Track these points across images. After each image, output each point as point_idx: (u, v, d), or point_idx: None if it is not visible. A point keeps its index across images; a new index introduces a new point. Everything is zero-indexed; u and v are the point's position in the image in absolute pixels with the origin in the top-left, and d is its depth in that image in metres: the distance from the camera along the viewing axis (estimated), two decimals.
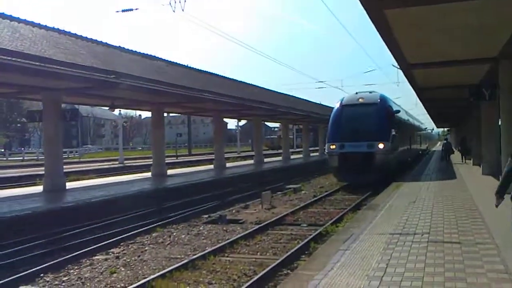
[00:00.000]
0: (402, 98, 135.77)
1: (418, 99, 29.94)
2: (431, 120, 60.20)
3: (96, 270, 8.83)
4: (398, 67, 17.71)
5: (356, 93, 23.60)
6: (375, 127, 20.41)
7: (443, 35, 12.02)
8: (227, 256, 9.50)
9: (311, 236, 10.64)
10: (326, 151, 21.83)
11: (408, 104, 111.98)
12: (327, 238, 10.05)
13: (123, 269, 8.81)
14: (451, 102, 29.14)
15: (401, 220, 9.69)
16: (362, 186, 18.84)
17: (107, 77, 16.94)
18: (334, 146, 20.67)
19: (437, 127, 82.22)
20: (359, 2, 8.88)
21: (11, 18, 17.45)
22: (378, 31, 11.25)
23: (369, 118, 20.91)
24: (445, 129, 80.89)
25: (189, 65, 31.64)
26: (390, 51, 13.69)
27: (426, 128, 60.23)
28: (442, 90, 22.58)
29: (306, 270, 6.50)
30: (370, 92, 23.59)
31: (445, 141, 35.46)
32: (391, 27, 10.92)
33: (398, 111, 23.04)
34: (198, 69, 31.68)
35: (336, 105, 22.85)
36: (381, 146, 19.68)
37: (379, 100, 21.90)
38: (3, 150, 75.91)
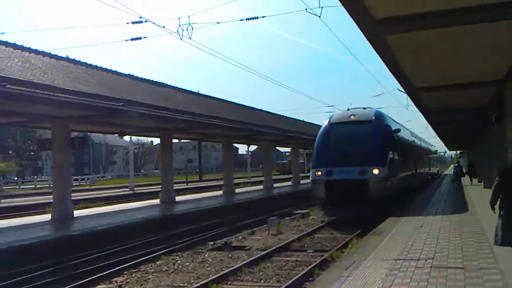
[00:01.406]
0: (412, 122, 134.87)
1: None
2: (442, 143, 59.66)
3: None
4: (403, 91, 17.75)
5: (348, 109, 20.32)
6: (369, 149, 16.94)
7: (446, 58, 12.00)
8: (230, 284, 9.42)
9: (316, 263, 10.52)
10: (310, 178, 18.13)
11: (419, 127, 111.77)
12: (331, 264, 9.93)
13: None
14: (460, 125, 28.96)
15: (406, 246, 9.56)
16: (353, 221, 15.65)
17: (115, 104, 17.17)
18: (320, 173, 17.07)
19: (449, 150, 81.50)
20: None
21: (23, 48, 17.86)
22: (380, 56, 11.30)
23: (362, 138, 17.57)
24: (458, 151, 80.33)
25: (198, 91, 32.04)
26: (394, 75, 13.72)
27: (436, 151, 57.43)
28: (449, 113, 22.41)
29: None
30: (364, 108, 20.30)
31: (456, 165, 38.03)
32: (393, 52, 10.95)
33: (398, 130, 19.43)
34: (206, 95, 32.01)
35: (324, 123, 19.21)
36: (376, 171, 16.19)
37: (373, 117, 18.27)
38: (16, 178, 76.69)
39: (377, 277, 7.07)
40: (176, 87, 28.22)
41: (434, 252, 8.72)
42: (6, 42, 17.56)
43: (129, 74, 24.42)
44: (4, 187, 51.31)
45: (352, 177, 16.23)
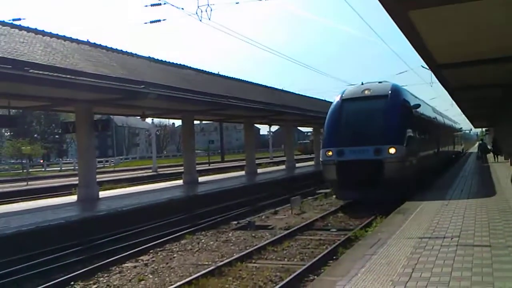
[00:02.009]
0: (436, 99, 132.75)
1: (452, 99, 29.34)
2: (468, 121, 58.50)
3: (125, 277, 8.97)
4: (428, 68, 17.40)
5: (362, 83, 18.18)
6: (384, 126, 15.58)
7: (472, 33, 11.70)
8: (254, 262, 9.49)
9: (340, 241, 10.53)
10: (320, 159, 16.81)
11: (443, 104, 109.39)
12: (355, 242, 9.91)
13: (151, 276, 8.92)
14: (485, 102, 28.39)
15: (431, 224, 9.47)
16: (368, 206, 14.84)
17: (136, 87, 17.26)
18: (330, 153, 15.78)
19: (475, 128, 79.99)
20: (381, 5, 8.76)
21: (44, 33, 18.02)
22: (403, 33, 11.06)
23: (376, 114, 16.16)
24: (483, 129, 78.87)
25: (218, 73, 32.00)
26: (418, 52, 13.43)
27: (461, 128, 54.80)
28: (476, 90, 21.95)
29: (330, 276, 6.43)
30: (380, 82, 18.19)
31: (480, 142, 38.70)
32: (416, 29, 10.69)
33: (418, 106, 17.85)
34: (226, 76, 31.94)
35: (335, 99, 17.71)
36: (392, 151, 14.78)
37: (390, 92, 16.49)
38: (41, 161, 78.20)
39: (402, 256, 7.03)
40: (197, 68, 28.22)
41: (460, 230, 8.61)
42: (28, 27, 17.74)
43: (149, 56, 24.50)
44: (30, 170, 52.35)
45: (365, 157, 15.02)
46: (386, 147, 14.89)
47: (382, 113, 16.04)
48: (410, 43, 12.07)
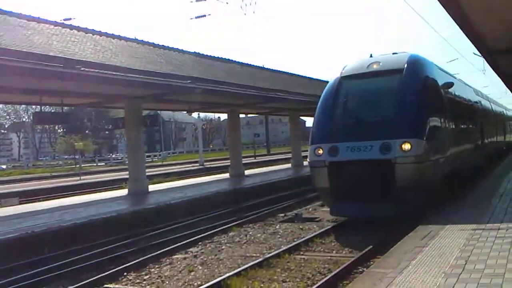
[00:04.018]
0: (490, 87, 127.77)
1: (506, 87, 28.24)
2: None
3: (175, 268, 9.15)
4: (480, 55, 16.80)
5: (371, 55, 13.26)
6: (396, 112, 11.04)
7: None
8: (302, 254, 9.47)
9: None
10: (308, 159, 12.20)
11: (497, 93, 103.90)
12: (406, 235, 9.71)
13: (200, 267, 9.06)
14: None
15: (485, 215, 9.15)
16: (373, 224, 10.88)
17: (183, 82, 17.54)
18: (321, 151, 11.38)
19: None
20: None
21: (93, 31, 18.61)
22: (452, 17, 10.72)
23: (386, 96, 11.66)
24: None
25: (263, 66, 32.07)
26: (468, 38, 13.00)
27: None
28: None
29: (380, 267, 6.34)
30: (395, 53, 13.06)
31: None
32: (465, 11, 10.34)
33: (450, 85, 13.11)
34: (271, 69, 31.97)
35: (332, 78, 12.91)
36: (406, 147, 10.40)
37: (406, 65, 11.72)
38: (93, 156, 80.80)
39: (454, 247, 6.85)
40: (241, 62, 28.38)
41: None
42: (78, 26, 18.37)
43: (195, 52, 24.85)
44: (82, 165, 54.20)
45: (368, 156, 10.68)
46: (397, 141, 10.45)
47: (394, 94, 11.44)
48: (460, 27, 11.68)
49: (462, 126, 14.97)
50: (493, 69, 18.99)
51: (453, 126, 13.12)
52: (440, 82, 12.70)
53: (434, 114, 11.57)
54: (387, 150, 10.50)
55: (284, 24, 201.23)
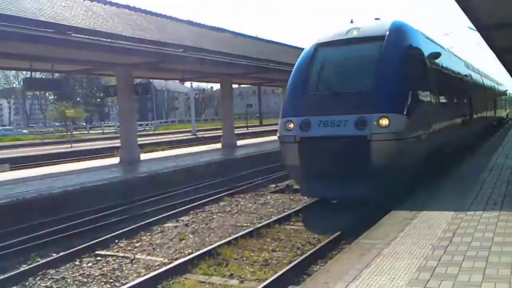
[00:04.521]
0: (484, 61, 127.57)
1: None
2: None
3: (167, 236, 9.24)
4: (475, 29, 16.68)
5: (352, 21, 12.27)
6: (374, 83, 9.98)
7: None
8: (292, 225, 9.59)
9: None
10: (278, 134, 11.09)
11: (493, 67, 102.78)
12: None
13: (191, 236, 9.16)
14: None
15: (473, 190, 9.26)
16: (347, 205, 10.09)
17: (175, 51, 17.33)
18: (291, 125, 10.43)
19: None
20: None
21: None
22: None
23: (364, 66, 10.64)
24: None
25: (256, 36, 31.76)
26: (464, 11, 12.87)
27: (506, 90, 45.15)
28: None
29: (368, 239, 6.43)
30: (378, 19, 11.92)
31: None
32: None
33: (437, 55, 12.09)
34: (265, 39, 31.68)
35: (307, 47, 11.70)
36: (384, 122, 9.43)
37: (388, 32, 10.57)
38: (84, 124, 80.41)
39: (442, 220, 6.95)
40: (234, 31, 28.06)
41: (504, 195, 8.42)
42: None
43: (188, 20, 24.52)
44: (74, 132, 53.92)
45: (342, 132, 9.69)
46: (374, 116, 9.46)
47: (372, 63, 10.35)
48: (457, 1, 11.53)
49: (449, 101, 13.82)
50: (488, 44, 18.86)
51: (439, 100, 11.95)
52: (426, 52, 11.56)
53: (417, 87, 10.53)
54: (363, 126, 9.50)
55: None
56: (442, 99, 12.49)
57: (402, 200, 8.71)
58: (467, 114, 16.54)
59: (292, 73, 11.45)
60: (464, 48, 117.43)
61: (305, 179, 10.45)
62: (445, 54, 14.46)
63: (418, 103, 10.43)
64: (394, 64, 10.21)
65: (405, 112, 9.63)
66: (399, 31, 10.87)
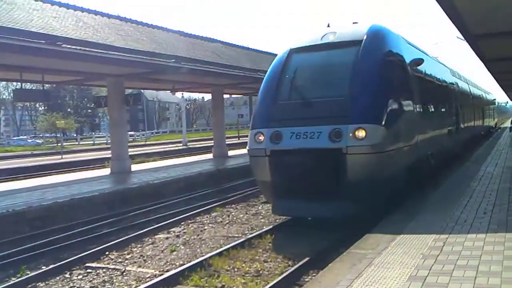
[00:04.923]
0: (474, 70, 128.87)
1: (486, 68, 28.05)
2: (504, 93, 56.13)
3: (158, 248, 9.18)
4: (463, 38, 16.84)
5: (328, 25, 11.67)
6: (350, 92, 9.26)
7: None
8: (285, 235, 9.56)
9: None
10: (247, 147, 10.19)
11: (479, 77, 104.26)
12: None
13: (182, 247, 9.10)
14: None
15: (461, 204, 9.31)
16: (321, 224, 9.48)
17: (167, 61, 17.35)
18: (262, 137, 9.65)
19: None
20: None
21: (75, 7, 18.28)
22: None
23: (340, 73, 9.95)
24: None
25: (248, 46, 31.93)
26: (452, 21, 13.00)
27: (495, 99, 44.34)
28: None
29: (359, 248, 6.43)
30: (356, 23, 11.32)
31: None
32: None
33: (420, 62, 11.21)
34: (256, 50, 31.83)
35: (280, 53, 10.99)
36: (360, 134, 8.74)
37: (366, 36, 9.91)
38: (75, 135, 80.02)
39: (432, 230, 6.98)
40: (225, 42, 28.17)
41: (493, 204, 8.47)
42: (59, 2, 18.00)
43: (179, 30, 24.58)
44: (64, 144, 53.63)
45: (315, 145, 8.98)
46: (350, 127, 8.76)
47: (348, 69, 9.62)
48: (443, 10, 11.65)
49: (434, 110, 13.15)
50: (476, 53, 19.03)
51: (422, 110, 11.27)
52: (408, 58, 10.82)
53: (397, 95, 9.82)
54: (338, 138, 8.80)
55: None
56: (426, 109, 11.92)
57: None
58: (453, 123, 16.02)
59: (263, 81, 10.73)
60: (454, 57, 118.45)
61: (276, 196, 9.66)
62: (429, 61, 13.91)
63: (398, 113, 9.75)
64: (371, 71, 9.51)
65: (383, 123, 8.97)
66: (377, 36, 10.22)
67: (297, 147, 9.14)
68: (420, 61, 11.23)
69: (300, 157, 9.15)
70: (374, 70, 9.50)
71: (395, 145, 9.27)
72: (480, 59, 21.24)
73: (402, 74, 10.39)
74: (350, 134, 8.71)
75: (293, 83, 10.04)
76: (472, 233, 6.62)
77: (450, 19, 12.35)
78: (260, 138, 9.68)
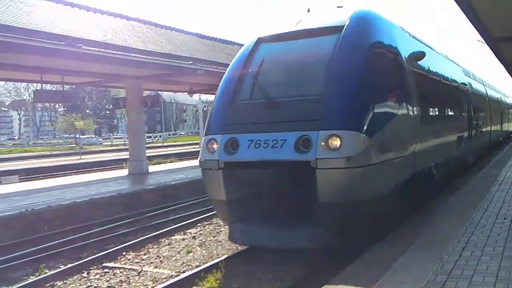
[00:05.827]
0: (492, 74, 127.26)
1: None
2: None
3: (174, 249, 9.22)
4: (484, 42, 16.64)
5: (308, 10, 9.77)
6: (324, 92, 7.28)
7: None
8: None
9: None
10: (199, 157, 8.07)
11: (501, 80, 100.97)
12: None
13: (198, 248, 9.12)
14: None
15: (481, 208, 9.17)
16: (284, 257, 7.69)
17: (184, 63, 17.45)
18: (215, 145, 7.73)
19: None
20: None
21: (94, 10, 18.49)
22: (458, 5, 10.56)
23: (313, 67, 7.91)
24: None
25: None
26: (472, 24, 12.85)
27: None
28: None
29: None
30: (340, 7, 9.32)
31: None
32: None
33: (420, 56, 9.44)
34: None
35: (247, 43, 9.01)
36: (335, 143, 6.79)
37: (348, 22, 8.02)
38: (93, 136, 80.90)
39: (452, 234, 6.90)
40: (241, 44, 28.16)
41: None
42: (79, 5, 18.22)
43: (196, 33, 24.72)
44: (83, 145, 54.25)
45: (278, 156, 7.10)
46: (321, 134, 6.87)
47: (323, 62, 7.68)
48: (463, 12, 11.51)
49: (439, 114, 11.41)
50: (496, 56, 18.76)
51: (423, 113, 9.19)
52: (405, 51, 8.88)
53: (386, 95, 7.84)
54: (306, 147, 6.91)
55: None
56: (428, 112, 10.08)
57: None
58: (465, 129, 14.07)
59: (223, 76, 8.75)
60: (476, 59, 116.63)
61: (232, 220, 7.80)
62: (435, 56, 12.14)
63: (387, 117, 7.72)
64: (352, 64, 7.54)
65: (364, 129, 6.97)
66: (362, 21, 8.28)
67: (255, 158, 7.25)
68: (421, 55, 9.45)
69: (259, 172, 7.43)
70: (356, 63, 7.56)
71: (382, 157, 7.31)
72: (501, 62, 20.95)
73: (395, 69, 8.50)
74: (322, 143, 6.81)
75: (257, 78, 7.94)
76: (492, 238, 6.52)
77: (471, 23, 12.20)
78: (213, 146, 7.75)
